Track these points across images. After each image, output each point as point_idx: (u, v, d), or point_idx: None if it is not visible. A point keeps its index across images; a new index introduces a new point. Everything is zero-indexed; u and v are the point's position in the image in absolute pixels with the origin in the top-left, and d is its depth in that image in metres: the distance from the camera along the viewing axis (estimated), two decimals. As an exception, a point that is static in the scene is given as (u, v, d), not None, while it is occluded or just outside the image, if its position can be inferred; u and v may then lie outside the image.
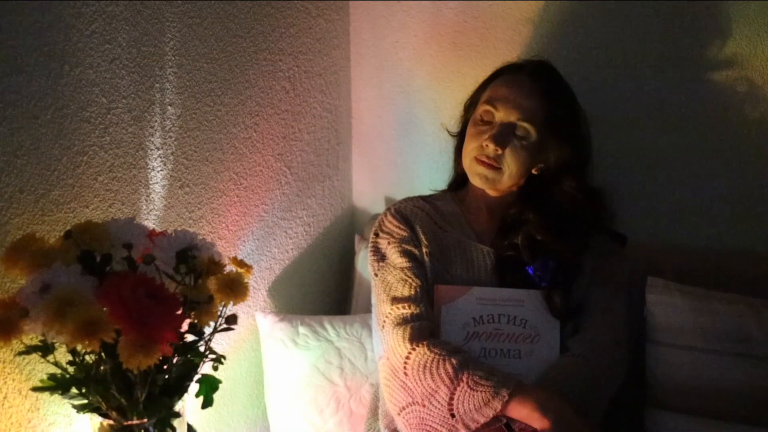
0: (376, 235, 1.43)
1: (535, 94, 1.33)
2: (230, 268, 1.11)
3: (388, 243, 1.40)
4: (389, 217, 1.44)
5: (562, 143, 1.35)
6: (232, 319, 1.11)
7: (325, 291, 1.89)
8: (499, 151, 1.32)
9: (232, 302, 1.06)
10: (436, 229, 1.41)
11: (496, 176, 1.35)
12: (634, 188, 1.66)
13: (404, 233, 1.40)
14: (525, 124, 1.32)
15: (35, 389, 1.01)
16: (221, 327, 1.10)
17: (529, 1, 1.68)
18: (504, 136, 1.32)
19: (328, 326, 1.60)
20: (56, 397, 1.04)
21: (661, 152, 1.64)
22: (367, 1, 1.85)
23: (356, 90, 1.94)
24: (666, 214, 1.65)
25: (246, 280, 1.08)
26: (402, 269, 1.35)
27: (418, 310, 1.30)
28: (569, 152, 1.36)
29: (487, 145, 1.33)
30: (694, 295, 1.42)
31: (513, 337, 1.29)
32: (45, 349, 0.97)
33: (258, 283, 1.64)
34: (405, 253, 1.37)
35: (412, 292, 1.32)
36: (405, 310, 1.30)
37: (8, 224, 1.05)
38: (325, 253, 1.89)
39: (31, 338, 0.98)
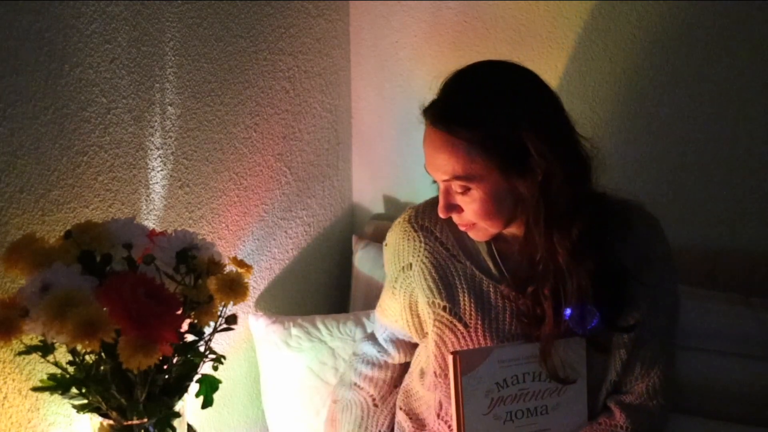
0: (386, 245, 1.34)
1: (441, 145, 1.11)
2: (230, 268, 1.11)
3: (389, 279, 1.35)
4: (389, 249, 1.31)
5: (511, 168, 1.09)
6: (232, 319, 1.11)
7: (325, 290, 1.90)
8: (457, 216, 1.17)
9: (232, 302, 1.06)
10: (448, 262, 1.25)
11: (479, 231, 1.19)
12: (633, 189, 1.65)
13: (396, 274, 1.30)
14: (455, 183, 1.12)
15: (35, 389, 1.01)
16: (221, 327, 1.10)
17: (530, 2, 1.68)
18: (448, 201, 1.15)
19: (320, 326, 1.60)
20: (56, 397, 1.04)
21: (660, 153, 1.64)
22: (367, 1, 1.85)
23: (356, 90, 1.93)
24: (666, 215, 1.65)
25: (246, 280, 1.08)
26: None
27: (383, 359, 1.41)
28: (537, 167, 1.09)
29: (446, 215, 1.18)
30: (694, 295, 1.42)
31: (539, 394, 1.20)
32: (45, 349, 0.97)
33: (258, 283, 1.64)
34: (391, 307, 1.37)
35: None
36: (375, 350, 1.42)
37: (8, 224, 1.05)
38: (325, 252, 1.89)
39: (31, 338, 0.98)
